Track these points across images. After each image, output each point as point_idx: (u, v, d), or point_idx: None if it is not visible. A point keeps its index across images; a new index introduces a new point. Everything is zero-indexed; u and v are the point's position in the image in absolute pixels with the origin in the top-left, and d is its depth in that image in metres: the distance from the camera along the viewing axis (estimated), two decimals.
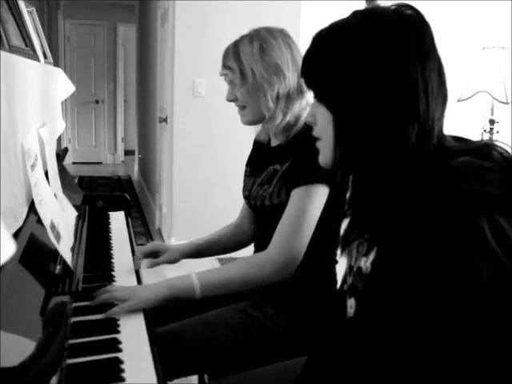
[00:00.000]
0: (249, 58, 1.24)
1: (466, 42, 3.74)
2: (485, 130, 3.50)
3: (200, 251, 1.46)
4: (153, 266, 1.41)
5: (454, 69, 3.35)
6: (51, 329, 0.87)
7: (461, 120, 3.35)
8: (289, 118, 1.26)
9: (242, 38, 1.28)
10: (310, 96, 1.27)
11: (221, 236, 1.51)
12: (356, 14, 0.76)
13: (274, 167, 1.31)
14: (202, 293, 1.14)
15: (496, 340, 0.62)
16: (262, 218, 1.39)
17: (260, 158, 1.41)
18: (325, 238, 1.28)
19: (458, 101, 3.38)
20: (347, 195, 0.84)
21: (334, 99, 0.77)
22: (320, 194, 1.19)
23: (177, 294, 1.13)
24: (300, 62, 1.26)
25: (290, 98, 1.25)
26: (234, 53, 1.27)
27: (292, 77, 1.24)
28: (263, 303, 1.30)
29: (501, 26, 3.54)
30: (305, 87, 1.23)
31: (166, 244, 1.51)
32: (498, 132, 3.43)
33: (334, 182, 0.85)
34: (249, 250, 1.61)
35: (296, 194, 1.20)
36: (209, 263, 3.51)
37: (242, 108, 1.31)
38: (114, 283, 1.22)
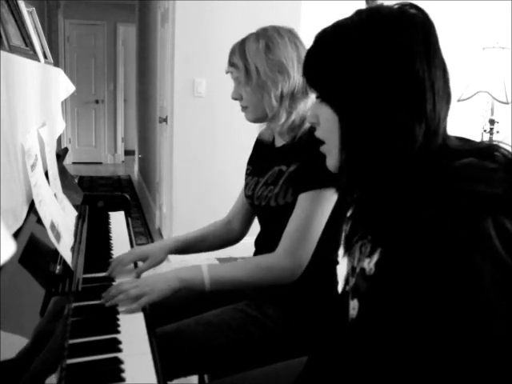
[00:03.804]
0: (254, 56, 1.24)
1: (466, 42, 3.74)
2: (485, 130, 3.50)
3: (185, 248, 1.44)
4: (138, 274, 1.32)
5: (454, 69, 3.35)
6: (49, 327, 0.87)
7: (461, 120, 3.35)
8: (294, 117, 1.26)
9: (250, 35, 1.28)
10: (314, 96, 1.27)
11: (208, 234, 1.49)
12: (360, 12, 0.76)
13: (280, 168, 1.30)
14: (210, 287, 1.17)
15: (499, 342, 0.62)
16: (265, 219, 1.39)
17: (264, 157, 1.40)
18: (326, 239, 1.28)
19: (458, 101, 3.38)
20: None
21: (340, 99, 0.76)
22: (328, 199, 1.19)
23: (187, 286, 1.17)
24: None
25: (294, 97, 1.25)
26: (240, 50, 1.27)
27: (297, 76, 1.23)
28: (263, 303, 1.30)
29: (501, 26, 3.54)
30: None
31: (147, 248, 1.39)
32: (498, 132, 3.43)
33: (340, 183, 0.84)
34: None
35: (304, 198, 1.20)
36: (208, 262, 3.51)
37: (243, 108, 1.32)
38: (114, 283, 1.23)
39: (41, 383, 0.73)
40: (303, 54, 1.25)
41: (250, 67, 1.24)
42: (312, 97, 1.26)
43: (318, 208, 1.19)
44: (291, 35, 1.27)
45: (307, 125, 1.26)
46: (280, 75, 1.23)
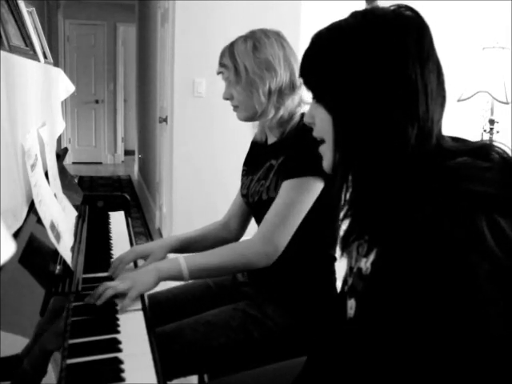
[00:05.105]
0: (242, 56, 1.29)
1: (466, 42, 3.73)
2: (485, 130, 3.49)
3: (186, 247, 1.45)
4: None
5: (454, 69, 3.35)
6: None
7: (461, 120, 3.34)
8: (282, 112, 1.30)
9: (238, 38, 1.34)
10: (303, 93, 1.32)
11: (207, 233, 1.50)
12: (355, 14, 0.76)
13: (270, 163, 1.33)
14: (189, 276, 1.20)
15: (494, 339, 0.62)
16: (260, 214, 1.39)
17: (257, 156, 1.43)
18: (323, 234, 1.28)
19: (458, 101, 3.38)
20: (347, 194, 0.84)
21: (333, 100, 0.77)
22: (311, 187, 1.21)
23: (167, 278, 1.19)
24: (292, 60, 1.31)
25: (282, 93, 1.30)
26: (229, 51, 1.32)
27: (284, 73, 1.29)
28: (263, 303, 1.30)
29: (501, 26, 3.54)
30: (297, 84, 1.30)
31: (148, 246, 1.41)
32: (498, 132, 3.42)
33: (334, 180, 0.84)
34: None
35: (286, 186, 1.23)
36: None
37: (235, 108, 1.36)
38: None
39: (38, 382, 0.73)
40: (289, 53, 1.32)
41: (239, 67, 1.29)
42: (300, 93, 1.32)
43: (298, 196, 1.21)
44: (278, 37, 1.33)
45: (295, 120, 1.31)
46: (267, 72, 1.28)
